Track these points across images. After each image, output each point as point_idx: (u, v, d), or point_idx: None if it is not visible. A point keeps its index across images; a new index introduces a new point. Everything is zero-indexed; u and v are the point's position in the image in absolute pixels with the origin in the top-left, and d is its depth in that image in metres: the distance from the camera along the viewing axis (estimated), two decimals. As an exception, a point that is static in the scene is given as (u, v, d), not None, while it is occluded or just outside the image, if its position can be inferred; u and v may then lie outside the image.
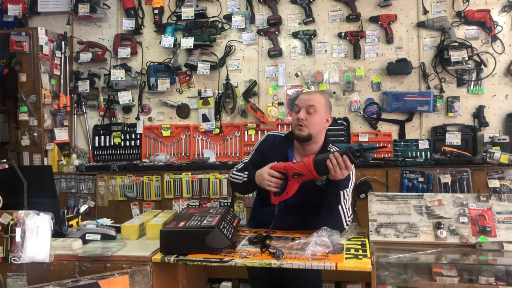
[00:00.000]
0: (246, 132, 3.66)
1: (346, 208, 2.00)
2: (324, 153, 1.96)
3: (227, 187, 3.32)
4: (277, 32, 3.60)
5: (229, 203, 3.32)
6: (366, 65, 3.53)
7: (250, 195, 3.10)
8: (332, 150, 2.00)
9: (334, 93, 3.55)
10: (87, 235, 2.06)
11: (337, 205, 1.97)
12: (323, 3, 3.59)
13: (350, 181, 2.04)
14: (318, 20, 3.59)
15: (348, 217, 2.03)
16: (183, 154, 3.76)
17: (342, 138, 3.49)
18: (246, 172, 2.12)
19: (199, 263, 1.79)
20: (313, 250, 1.77)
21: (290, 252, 1.79)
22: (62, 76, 3.82)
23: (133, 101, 3.82)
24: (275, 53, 3.60)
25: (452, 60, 3.27)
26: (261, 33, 3.65)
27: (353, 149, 1.83)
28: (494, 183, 2.96)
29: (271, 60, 3.66)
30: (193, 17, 3.67)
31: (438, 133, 3.42)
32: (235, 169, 2.23)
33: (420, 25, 3.43)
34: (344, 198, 1.98)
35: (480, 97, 3.39)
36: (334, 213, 1.98)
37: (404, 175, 3.09)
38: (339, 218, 1.99)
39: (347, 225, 2.04)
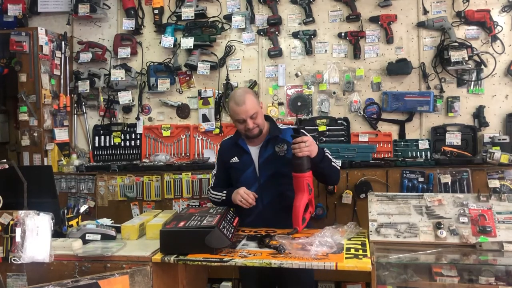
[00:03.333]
0: (246, 132, 3.65)
1: (332, 158, 2.30)
2: (276, 131, 2.33)
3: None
4: (277, 32, 3.60)
5: (229, 203, 3.32)
6: (366, 65, 3.53)
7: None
8: (281, 127, 2.38)
9: (334, 93, 3.56)
10: (87, 235, 2.07)
11: (331, 163, 2.26)
12: (323, 3, 3.59)
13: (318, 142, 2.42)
14: (318, 20, 3.59)
15: (335, 162, 2.32)
16: (183, 154, 3.76)
17: (342, 138, 3.49)
18: (225, 192, 2.35)
19: (199, 263, 1.80)
20: (317, 250, 1.78)
21: (291, 250, 1.80)
22: (62, 76, 3.82)
23: (133, 101, 3.82)
24: (275, 53, 3.60)
25: (452, 60, 3.27)
26: (261, 33, 3.65)
27: (296, 129, 2.17)
28: (494, 183, 2.96)
29: (271, 60, 3.66)
30: (193, 17, 3.66)
31: (438, 133, 3.42)
32: (211, 187, 2.48)
33: (420, 25, 3.43)
34: (327, 155, 2.26)
35: (480, 97, 3.38)
36: (332, 169, 2.27)
37: (404, 175, 3.09)
38: (335, 169, 2.29)
39: (339, 165, 2.39)
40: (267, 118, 2.42)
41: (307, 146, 2.07)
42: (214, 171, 2.52)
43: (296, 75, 3.62)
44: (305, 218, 2.11)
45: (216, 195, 2.40)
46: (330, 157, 2.29)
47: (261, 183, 2.30)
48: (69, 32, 3.90)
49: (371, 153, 3.29)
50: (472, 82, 3.37)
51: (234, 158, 2.37)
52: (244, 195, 2.22)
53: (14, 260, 1.83)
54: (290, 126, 2.44)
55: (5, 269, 1.88)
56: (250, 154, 2.34)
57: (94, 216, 3.14)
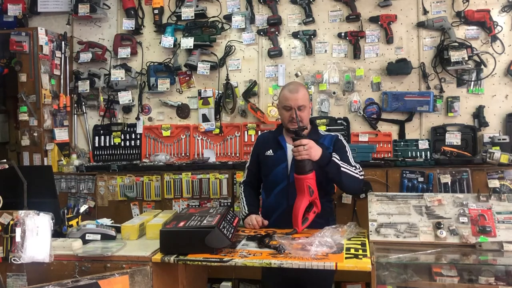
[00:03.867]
0: (246, 132, 3.66)
1: (349, 166, 2.21)
2: (315, 136, 2.30)
3: (227, 187, 3.32)
4: (277, 32, 3.60)
5: (229, 203, 3.32)
6: (366, 65, 3.53)
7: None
8: (322, 133, 2.40)
9: (334, 93, 3.56)
10: (87, 235, 2.07)
11: (340, 169, 2.16)
12: (323, 3, 3.59)
13: (347, 147, 2.33)
14: (318, 20, 3.59)
15: (357, 169, 2.25)
16: (183, 154, 3.76)
17: (342, 138, 3.49)
18: (247, 212, 2.38)
19: (199, 263, 1.80)
20: (317, 250, 1.78)
21: (291, 250, 1.80)
22: (62, 76, 3.82)
23: (133, 101, 3.82)
24: (275, 53, 3.60)
25: (452, 60, 3.27)
26: (261, 33, 3.65)
27: (295, 132, 2.15)
28: (494, 183, 2.96)
29: (271, 60, 3.66)
30: (193, 17, 3.67)
31: (438, 133, 3.42)
32: (244, 181, 2.52)
33: (420, 25, 3.43)
34: (340, 161, 2.18)
35: (480, 97, 3.38)
36: (343, 176, 2.17)
37: (404, 175, 3.09)
38: (349, 176, 2.19)
39: (362, 175, 2.27)
40: (311, 122, 2.43)
41: (306, 150, 2.07)
42: (247, 164, 2.54)
43: (296, 75, 3.62)
44: (308, 218, 2.12)
45: (242, 202, 2.44)
46: (343, 164, 2.19)
47: (290, 181, 2.28)
48: (69, 32, 3.91)
49: (371, 153, 3.29)
50: (472, 82, 3.37)
51: (269, 151, 2.38)
52: (254, 222, 2.27)
53: (14, 260, 1.82)
54: (332, 133, 2.43)
55: (5, 269, 1.88)
56: (285, 151, 2.34)
57: (94, 216, 3.12)
